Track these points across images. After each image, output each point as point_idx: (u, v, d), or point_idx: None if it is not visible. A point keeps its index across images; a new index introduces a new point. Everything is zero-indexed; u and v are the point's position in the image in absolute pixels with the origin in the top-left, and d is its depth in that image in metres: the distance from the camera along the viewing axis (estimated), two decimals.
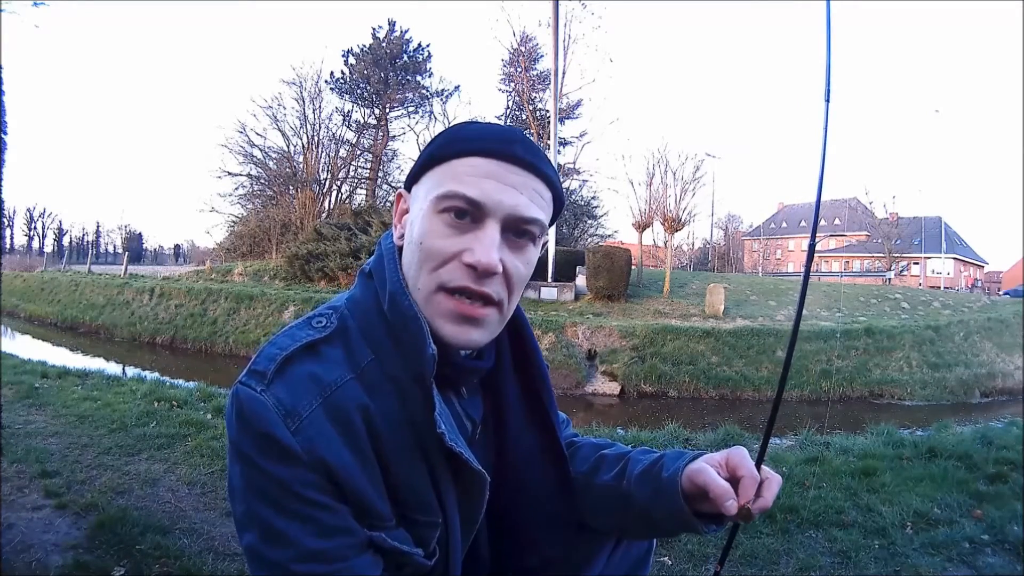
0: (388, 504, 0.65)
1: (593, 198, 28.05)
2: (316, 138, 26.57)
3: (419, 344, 0.64)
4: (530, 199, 0.66)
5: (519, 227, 0.66)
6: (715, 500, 0.64)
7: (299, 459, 0.59)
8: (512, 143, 0.66)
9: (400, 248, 0.71)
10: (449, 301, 0.65)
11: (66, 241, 70.60)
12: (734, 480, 0.66)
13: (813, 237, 0.76)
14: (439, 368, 0.65)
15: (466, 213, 0.64)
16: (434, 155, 0.68)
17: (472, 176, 0.64)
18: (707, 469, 0.67)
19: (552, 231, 15.07)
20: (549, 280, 14.16)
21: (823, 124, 0.73)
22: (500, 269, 0.64)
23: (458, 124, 0.70)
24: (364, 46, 27.50)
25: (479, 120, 0.74)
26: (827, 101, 0.74)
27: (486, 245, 0.63)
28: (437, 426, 0.64)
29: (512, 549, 0.76)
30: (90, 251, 53.96)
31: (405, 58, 27.87)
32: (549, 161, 0.70)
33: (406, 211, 0.72)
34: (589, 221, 28.41)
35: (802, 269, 0.78)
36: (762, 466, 0.67)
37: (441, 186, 0.65)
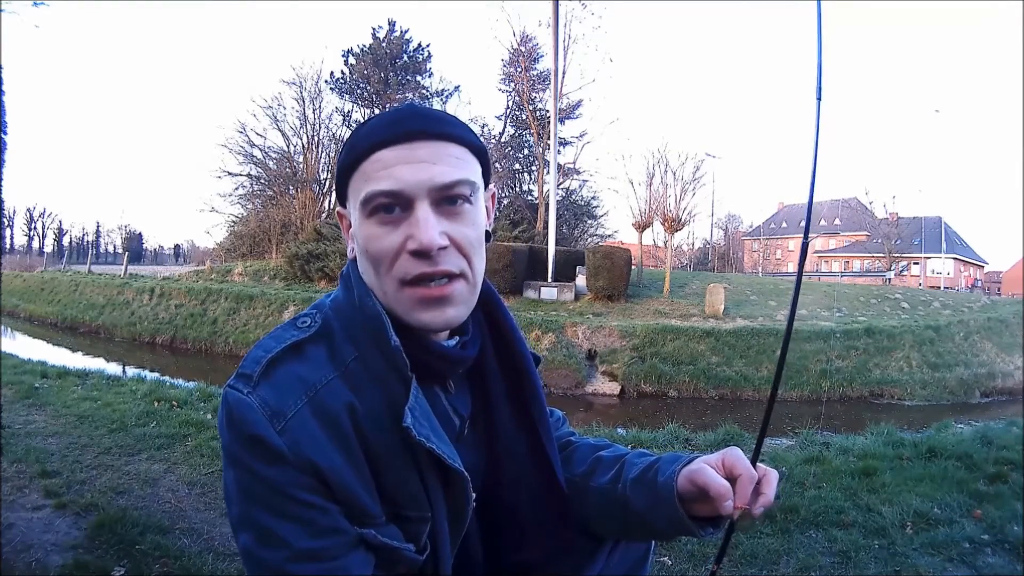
0: (378, 501, 0.65)
1: (593, 198, 27.99)
2: (316, 138, 26.50)
3: (384, 339, 0.66)
4: (446, 164, 0.66)
5: (447, 195, 0.66)
6: (714, 499, 0.65)
7: (287, 459, 0.60)
8: (402, 121, 0.67)
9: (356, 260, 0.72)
10: (414, 291, 0.66)
11: (66, 241, 70.70)
12: (731, 480, 0.66)
13: (806, 235, 0.77)
14: (426, 360, 0.67)
15: (393, 207, 0.65)
16: (343, 166, 0.69)
17: (382, 170, 0.65)
18: (706, 468, 0.67)
19: (552, 230, 15.13)
20: (549, 280, 14.14)
21: (815, 122, 0.74)
22: (446, 242, 0.65)
23: (354, 128, 0.71)
24: (364, 46, 27.45)
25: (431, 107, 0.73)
26: (819, 99, 0.75)
27: (422, 227, 0.64)
28: (404, 418, 0.64)
29: (506, 547, 0.76)
30: (90, 251, 53.82)
31: (405, 58, 27.81)
32: (450, 120, 0.70)
33: (349, 226, 0.73)
34: (589, 221, 28.35)
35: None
36: (758, 463, 0.68)
37: (361, 192, 0.67)
